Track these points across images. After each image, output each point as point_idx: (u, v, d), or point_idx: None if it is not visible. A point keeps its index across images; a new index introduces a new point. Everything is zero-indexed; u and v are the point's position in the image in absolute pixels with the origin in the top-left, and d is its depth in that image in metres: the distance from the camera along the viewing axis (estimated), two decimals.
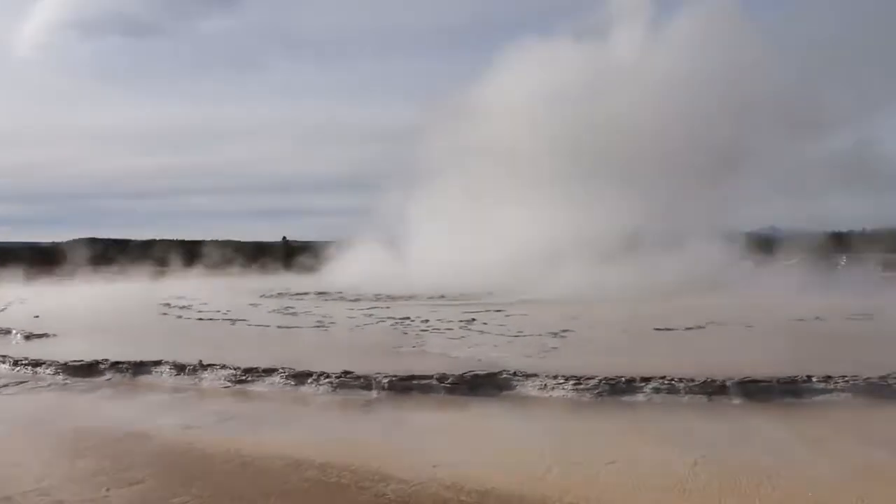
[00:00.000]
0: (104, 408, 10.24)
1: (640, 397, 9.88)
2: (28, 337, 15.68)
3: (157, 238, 59.08)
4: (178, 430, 8.84)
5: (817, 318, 16.84)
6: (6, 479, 7.16)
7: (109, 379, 12.02)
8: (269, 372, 11.31)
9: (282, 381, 11.11)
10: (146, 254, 44.89)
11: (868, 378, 9.87)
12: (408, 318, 18.34)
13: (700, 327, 15.65)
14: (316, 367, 11.20)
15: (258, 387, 11.10)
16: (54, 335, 15.75)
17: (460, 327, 16.35)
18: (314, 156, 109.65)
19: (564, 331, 15.21)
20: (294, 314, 20.10)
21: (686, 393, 9.82)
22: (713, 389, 9.79)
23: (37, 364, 12.65)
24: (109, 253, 45.21)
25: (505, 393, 10.35)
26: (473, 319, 17.76)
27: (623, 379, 10.14)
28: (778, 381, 9.92)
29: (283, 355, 12.31)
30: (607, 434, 8.36)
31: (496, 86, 35.31)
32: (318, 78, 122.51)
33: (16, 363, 12.84)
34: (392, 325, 17.08)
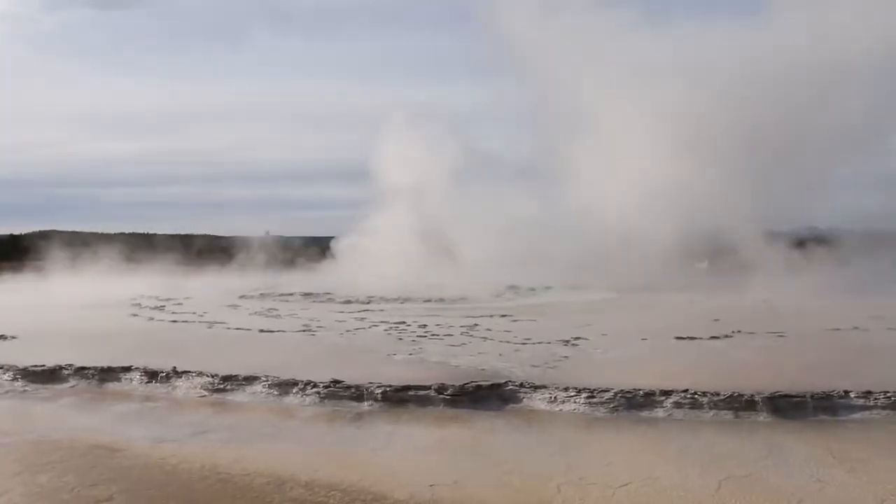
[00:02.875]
0: (68, 418, 10.26)
1: (659, 412, 9.91)
2: None
3: (127, 231, 59.11)
4: (149, 443, 8.87)
5: (856, 327, 16.86)
6: None
7: (74, 386, 12.05)
8: (251, 380, 11.34)
9: (264, 390, 11.14)
10: (115, 248, 44.87)
11: None
12: (403, 322, 18.37)
13: (727, 336, 15.67)
14: (302, 376, 11.23)
15: (238, 396, 11.12)
16: (13, 337, 15.77)
17: (462, 333, 16.39)
18: (302, 141, 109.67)
19: (576, 338, 15.24)
20: (278, 317, 20.14)
21: (710, 408, 9.85)
22: (740, 405, 9.82)
23: None
24: (74, 247, 45.16)
25: (510, 406, 10.38)
26: (476, 325, 17.79)
27: (641, 392, 10.17)
28: (812, 396, 9.96)
29: (265, 362, 12.34)
30: (623, 453, 8.39)
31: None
32: (308, 54, 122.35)
33: None
34: (386, 329, 17.12)
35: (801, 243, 35.52)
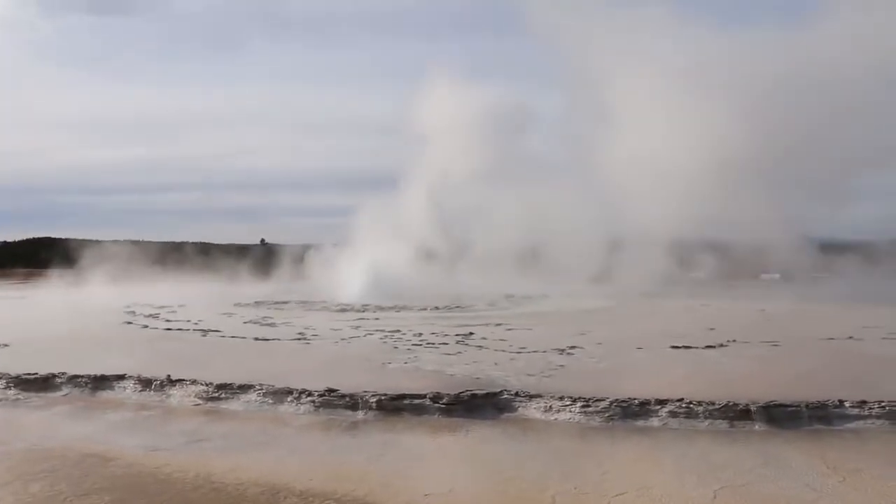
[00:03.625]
0: (60, 426, 10.21)
1: (654, 422, 9.91)
2: None
3: (121, 239, 58.95)
4: (142, 452, 8.83)
5: (850, 337, 16.92)
6: None
7: (67, 394, 12.00)
8: (245, 389, 11.31)
9: (258, 398, 11.11)
10: (109, 256, 44.77)
11: None
12: (398, 330, 18.36)
13: (722, 345, 15.70)
14: (296, 384, 11.20)
15: (232, 405, 11.08)
16: (5, 345, 15.70)
17: (457, 342, 16.38)
18: (298, 149, 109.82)
19: (572, 347, 15.25)
20: (273, 325, 20.09)
21: (705, 417, 9.86)
22: (735, 414, 9.84)
23: None
24: (69, 254, 45.08)
25: (506, 415, 10.37)
26: (471, 333, 17.79)
27: (636, 401, 10.18)
28: (807, 405, 9.97)
29: (260, 371, 12.31)
30: (618, 462, 8.39)
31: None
32: (306, 61, 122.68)
33: None
34: (381, 338, 17.10)
35: (798, 253, 35.62)
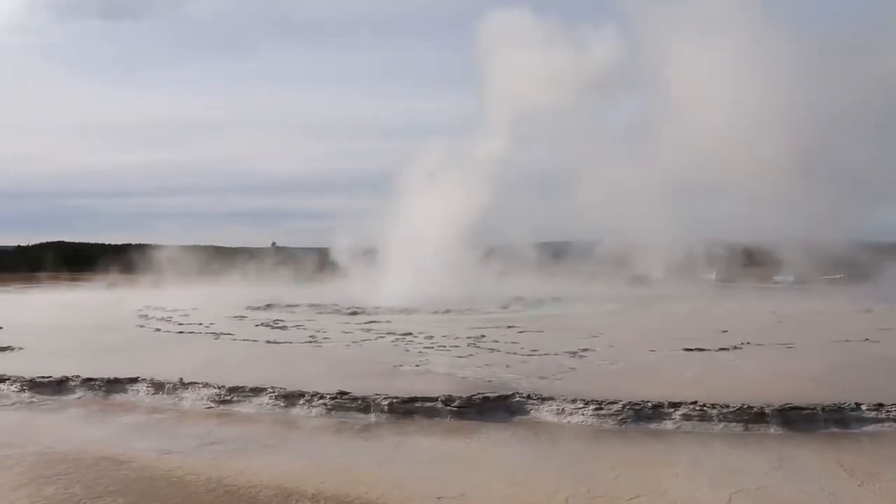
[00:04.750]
0: (74, 429, 10.28)
1: (668, 425, 9.85)
2: None
3: (134, 242, 59.30)
4: (155, 454, 8.87)
5: (866, 339, 16.78)
6: None
7: (80, 397, 12.07)
8: (257, 392, 11.34)
9: (270, 401, 11.13)
10: (121, 259, 45.09)
11: None
12: (410, 333, 18.36)
13: (735, 348, 15.60)
14: (308, 387, 11.22)
15: (244, 408, 11.12)
16: (20, 348, 15.84)
17: (468, 344, 16.36)
18: (309, 152, 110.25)
19: (584, 350, 15.20)
20: (284, 328, 20.15)
21: (720, 420, 9.80)
22: (750, 417, 9.76)
23: (0, 380, 12.71)
24: (81, 258, 45.43)
25: (518, 418, 10.35)
26: (483, 336, 17.77)
27: (649, 404, 10.13)
28: (822, 408, 9.89)
29: (271, 373, 12.34)
30: (631, 465, 8.34)
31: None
32: (314, 65, 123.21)
33: None
34: (393, 341, 17.11)
35: (808, 256, 35.31)
